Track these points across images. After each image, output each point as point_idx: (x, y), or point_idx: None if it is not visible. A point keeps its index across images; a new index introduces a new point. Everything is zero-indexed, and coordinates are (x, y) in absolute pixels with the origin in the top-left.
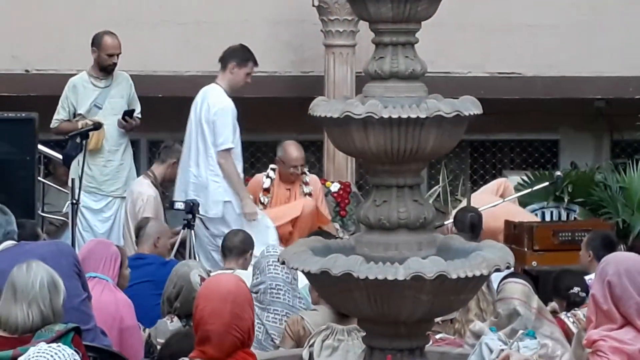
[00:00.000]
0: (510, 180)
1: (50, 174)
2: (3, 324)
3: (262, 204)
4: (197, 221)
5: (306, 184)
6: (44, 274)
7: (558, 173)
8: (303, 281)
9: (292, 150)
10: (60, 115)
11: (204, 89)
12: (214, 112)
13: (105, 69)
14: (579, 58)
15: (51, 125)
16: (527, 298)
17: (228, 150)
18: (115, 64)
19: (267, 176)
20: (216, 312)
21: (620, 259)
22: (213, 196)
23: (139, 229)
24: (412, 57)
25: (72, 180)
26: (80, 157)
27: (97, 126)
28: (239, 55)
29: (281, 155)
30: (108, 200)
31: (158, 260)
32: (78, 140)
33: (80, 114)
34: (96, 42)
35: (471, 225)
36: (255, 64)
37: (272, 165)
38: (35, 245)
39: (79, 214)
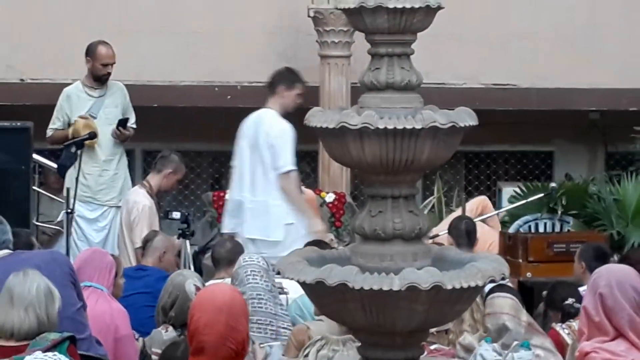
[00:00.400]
0: (504, 192)
1: (42, 183)
2: None
3: None
4: (251, 245)
5: None
6: (41, 281)
7: (552, 184)
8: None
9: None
10: (55, 125)
11: (257, 114)
12: (274, 136)
13: (99, 79)
14: (573, 70)
15: (47, 134)
16: (516, 312)
17: (289, 172)
18: (109, 74)
19: None
20: (211, 323)
21: (611, 270)
22: (275, 220)
23: (146, 242)
24: (408, 68)
25: (67, 189)
26: (75, 166)
27: (92, 135)
28: (287, 78)
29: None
30: (103, 209)
31: (159, 273)
32: (73, 150)
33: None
34: (90, 51)
35: (467, 233)
36: (303, 83)
37: None
38: (31, 254)
39: (73, 223)
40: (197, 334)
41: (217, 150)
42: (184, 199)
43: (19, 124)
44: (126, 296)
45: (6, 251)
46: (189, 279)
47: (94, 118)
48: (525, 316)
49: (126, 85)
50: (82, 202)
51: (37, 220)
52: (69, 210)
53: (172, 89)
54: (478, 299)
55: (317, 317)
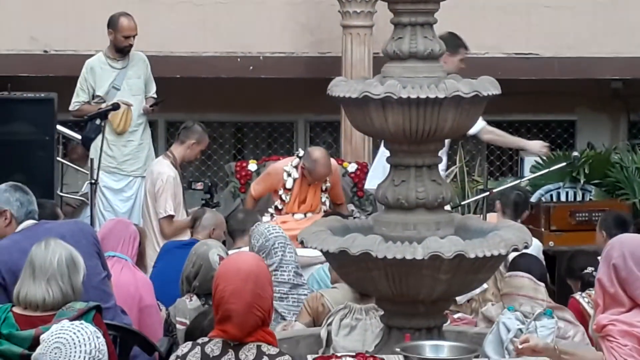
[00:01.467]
0: (526, 161)
1: (66, 154)
2: (23, 302)
3: (282, 200)
4: None
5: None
6: (63, 251)
7: (575, 154)
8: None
9: (320, 168)
10: (80, 97)
11: None
12: None
13: (121, 51)
14: (596, 39)
15: (70, 108)
16: (534, 292)
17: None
18: (131, 46)
19: (289, 174)
20: (237, 292)
21: (624, 241)
22: None
23: (195, 220)
24: (431, 37)
25: (92, 160)
26: (99, 138)
27: (116, 107)
28: (450, 43)
29: (309, 168)
30: (129, 180)
31: None
32: (98, 122)
33: (98, 96)
34: (112, 23)
35: (515, 204)
36: (466, 48)
37: (294, 162)
38: (55, 224)
39: (99, 194)
40: (223, 302)
41: (240, 121)
42: (206, 169)
43: (42, 95)
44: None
45: (31, 221)
46: (212, 248)
47: (117, 90)
48: (543, 294)
49: (148, 57)
50: (107, 172)
51: (61, 191)
52: (93, 181)
53: (194, 60)
54: (502, 268)
55: (332, 285)
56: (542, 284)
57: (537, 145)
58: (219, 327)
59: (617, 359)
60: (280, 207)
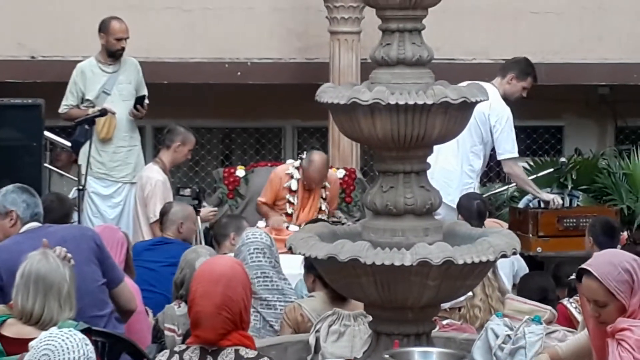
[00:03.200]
0: None
1: (53, 160)
2: (19, 312)
3: (291, 203)
4: None
5: (324, 188)
6: (54, 265)
7: (562, 159)
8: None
9: (313, 171)
10: (69, 101)
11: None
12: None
13: (113, 54)
14: (583, 44)
15: (60, 111)
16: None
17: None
18: (123, 49)
19: (292, 176)
20: (207, 294)
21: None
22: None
23: (163, 214)
24: (419, 43)
25: (79, 166)
26: (86, 146)
27: (103, 112)
28: (521, 68)
29: (305, 166)
30: (117, 186)
31: (182, 244)
32: (87, 127)
33: (88, 100)
34: (104, 27)
35: (478, 213)
36: (535, 80)
37: (295, 164)
38: (58, 228)
39: (88, 199)
40: (194, 305)
41: (228, 127)
42: (194, 175)
43: (30, 101)
44: (150, 269)
45: (36, 224)
46: (201, 256)
47: (107, 94)
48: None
49: None
50: (96, 178)
51: None
52: (81, 187)
53: (182, 65)
54: (490, 274)
55: (309, 294)
56: (549, 307)
57: (551, 199)
58: (193, 332)
59: None
60: (290, 211)
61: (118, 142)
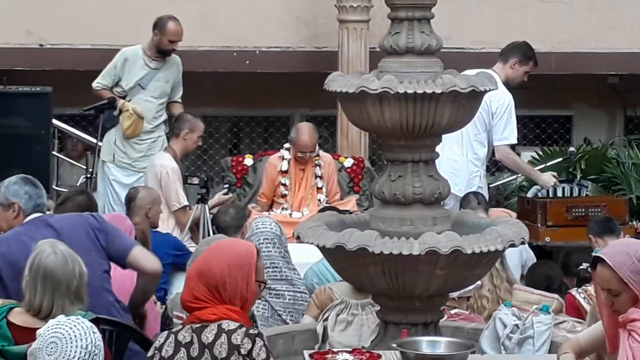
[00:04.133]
0: (523, 157)
1: (61, 148)
2: (27, 306)
3: (284, 185)
4: None
5: (319, 166)
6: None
7: (571, 149)
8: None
9: (303, 135)
10: (105, 80)
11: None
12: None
13: (163, 53)
14: (592, 34)
15: (93, 85)
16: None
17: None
18: (174, 50)
19: (283, 158)
20: (199, 260)
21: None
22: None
23: (130, 201)
24: (428, 32)
25: (87, 154)
26: (111, 134)
27: (112, 104)
28: (522, 52)
29: (293, 137)
30: (139, 176)
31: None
32: (116, 113)
33: (121, 87)
34: (160, 26)
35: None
36: (536, 64)
37: (286, 145)
38: (58, 218)
39: (109, 187)
40: (185, 285)
41: (236, 115)
42: (202, 164)
43: (38, 89)
44: None
45: (37, 215)
46: None
47: (142, 88)
48: (553, 304)
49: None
50: (119, 167)
51: (56, 185)
52: (89, 175)
53: (190, 54)
54: (498, 264)
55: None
56: (556, 296)
57: (547, 178)
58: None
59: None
60: (285, 192)
61: (142, 135)
